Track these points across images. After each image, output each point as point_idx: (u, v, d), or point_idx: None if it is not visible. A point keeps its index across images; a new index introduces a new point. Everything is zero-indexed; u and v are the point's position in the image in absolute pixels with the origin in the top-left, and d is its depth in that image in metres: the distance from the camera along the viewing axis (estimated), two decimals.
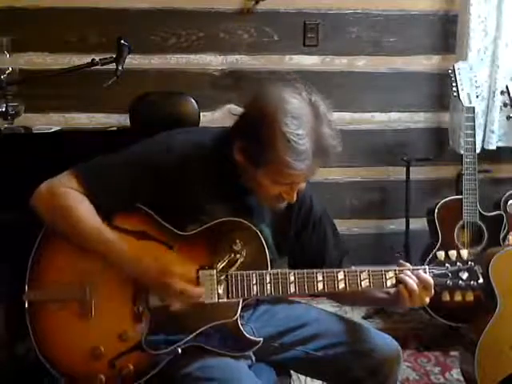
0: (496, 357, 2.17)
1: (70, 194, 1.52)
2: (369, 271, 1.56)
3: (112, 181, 1.53)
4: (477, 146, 2.75)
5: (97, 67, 2.17)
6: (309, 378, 2.08)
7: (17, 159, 2.13)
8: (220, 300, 1.52)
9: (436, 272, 1.57)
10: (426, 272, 1.56)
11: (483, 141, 3.15)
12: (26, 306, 1.52)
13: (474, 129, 2.72)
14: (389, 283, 1.56)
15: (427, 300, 1.55)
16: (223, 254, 1.54)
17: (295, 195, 1.53)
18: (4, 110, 2.40)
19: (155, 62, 3.06)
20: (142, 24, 3.00)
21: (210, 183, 1.56)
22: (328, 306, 3.16)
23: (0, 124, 2.46)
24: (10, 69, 2.46)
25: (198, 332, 1.52)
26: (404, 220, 3.14)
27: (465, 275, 1.58)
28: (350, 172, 3.30)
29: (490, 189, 3.12)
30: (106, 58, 2.19)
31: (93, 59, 2.16)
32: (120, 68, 2.16)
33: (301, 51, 3.14)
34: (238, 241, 1.54)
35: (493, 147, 3.16)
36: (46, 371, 1.52)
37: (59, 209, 1.51)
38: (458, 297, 1.59)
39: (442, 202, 2.78)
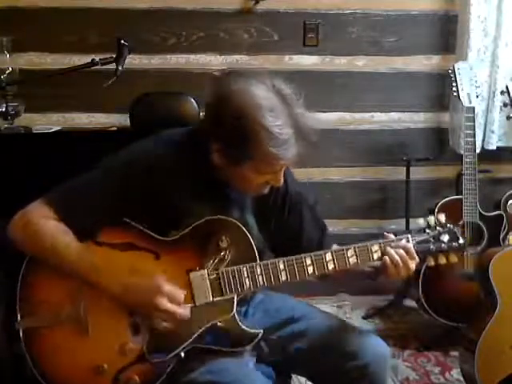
0: (496, 357, 2.16)
1: (46, 224, 1.50)
2: (354, 248, 1.57)
3: (84, 203, 1.52)
4: (477, 146, 2.75)
5: (97, 67, 2.17)
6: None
7: (17, 159, 2.13)
8: (215, 299, 1.52)
9: (419, 239, 1.60)
10: (408, 241, 1.58)
11: (483, 141, 3.15)
12: (21, 333, 1.49)
13: (474, 129, 2.72)
14: (375, 256, 1.58)
15: (413, 267, 1.56)
16: (211, 253, 1.54)
17: (282, 179, 1.55)
18: (4, 110, 2.40)
19: (155, 62, 3.06)
20: (142, 24, 3.00)
21: (186, 183, 1.56)
22: (328, 307, 3.17)
23: (0, 124, 2.46)
24: (10, 69, 2.47)
25: (198, 333, 1.52)
26: (404, 220, 3.14)
27: (446, 238, 1.60)
28: (349, 172, 3.30)
29: (490, 189, 3.12)
30: (106, 58, 2.19)
31: (93, 59, 2.16)
32: (120, 68, 2.16)
33: (301, 51, 3.13)
34: (223, 238, 1.54)
35: (493, 147, 3.16)
36: None
37: (38, 241, 1.50)
38: (442, 260, 1.62)
39: (442, 201, 2.78)
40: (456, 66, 2.78)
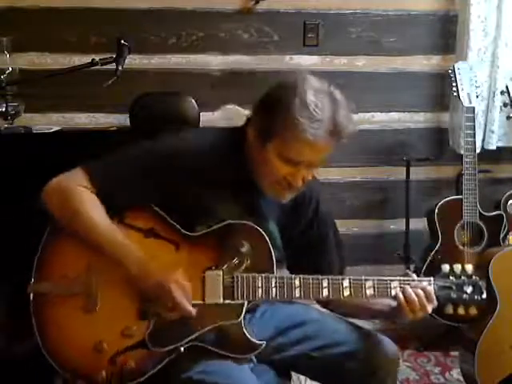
0: (496, 357, 2.17)
1: (80, 193, 1.52)
2: (374, 280, 1.55)
3: (122, 178, 1.54)
4: (477, 146, 2.76)
5: (97, 67, 2.17)
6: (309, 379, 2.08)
7: (17, 159, 2.13)
8: (225, 301, 1.52)
9: (441, 284, 1.57)
10: (430, 284, 1.56)
11: (483, 141, 3.15)
12: (31, 298, 1.52)
13: (474, 129, 2.72)
14: (393, 292, 1.55)
15: (430, 310, 1.54)
16: (230, 255, 1.54)
17: (300, 181, 1.52)
18: (4, 110, 2.40)
19: (155, 61, 3.05)
20: (142, 24, 2.99)
21: (220, 184, 1.56)
22: None
23: (0, 124, 2.46)
24: (10, 69, 2.46)
25: (202, 331, 1.52)
26: (404, 220, 3.14)
27: (469, 289, 1.57)
28: (349, 172, 3.29)
29: (490, 189, 3.12)
30: (106, 58, 2.19)
31: (93, 59, 2.16)
32: (120, 68, 2.16)
33: (301, 51, 3.13)
34: (245, 243, 1.54)
35: (493, 147, 3.16)
36: (55, 370, 1.52)
37: (70, 207, 1.52)
38: (461, 310, 1.59)
39: (442, 202, 2.78)
40: (456, 66, 2.78)
